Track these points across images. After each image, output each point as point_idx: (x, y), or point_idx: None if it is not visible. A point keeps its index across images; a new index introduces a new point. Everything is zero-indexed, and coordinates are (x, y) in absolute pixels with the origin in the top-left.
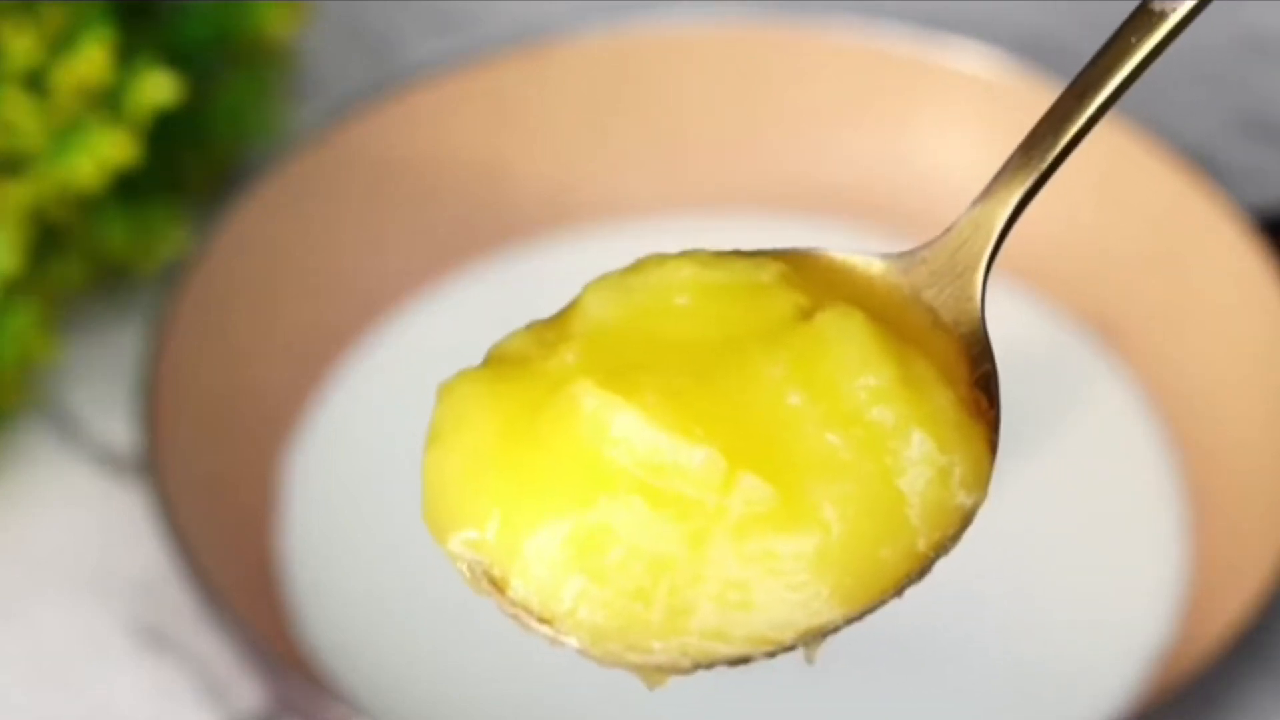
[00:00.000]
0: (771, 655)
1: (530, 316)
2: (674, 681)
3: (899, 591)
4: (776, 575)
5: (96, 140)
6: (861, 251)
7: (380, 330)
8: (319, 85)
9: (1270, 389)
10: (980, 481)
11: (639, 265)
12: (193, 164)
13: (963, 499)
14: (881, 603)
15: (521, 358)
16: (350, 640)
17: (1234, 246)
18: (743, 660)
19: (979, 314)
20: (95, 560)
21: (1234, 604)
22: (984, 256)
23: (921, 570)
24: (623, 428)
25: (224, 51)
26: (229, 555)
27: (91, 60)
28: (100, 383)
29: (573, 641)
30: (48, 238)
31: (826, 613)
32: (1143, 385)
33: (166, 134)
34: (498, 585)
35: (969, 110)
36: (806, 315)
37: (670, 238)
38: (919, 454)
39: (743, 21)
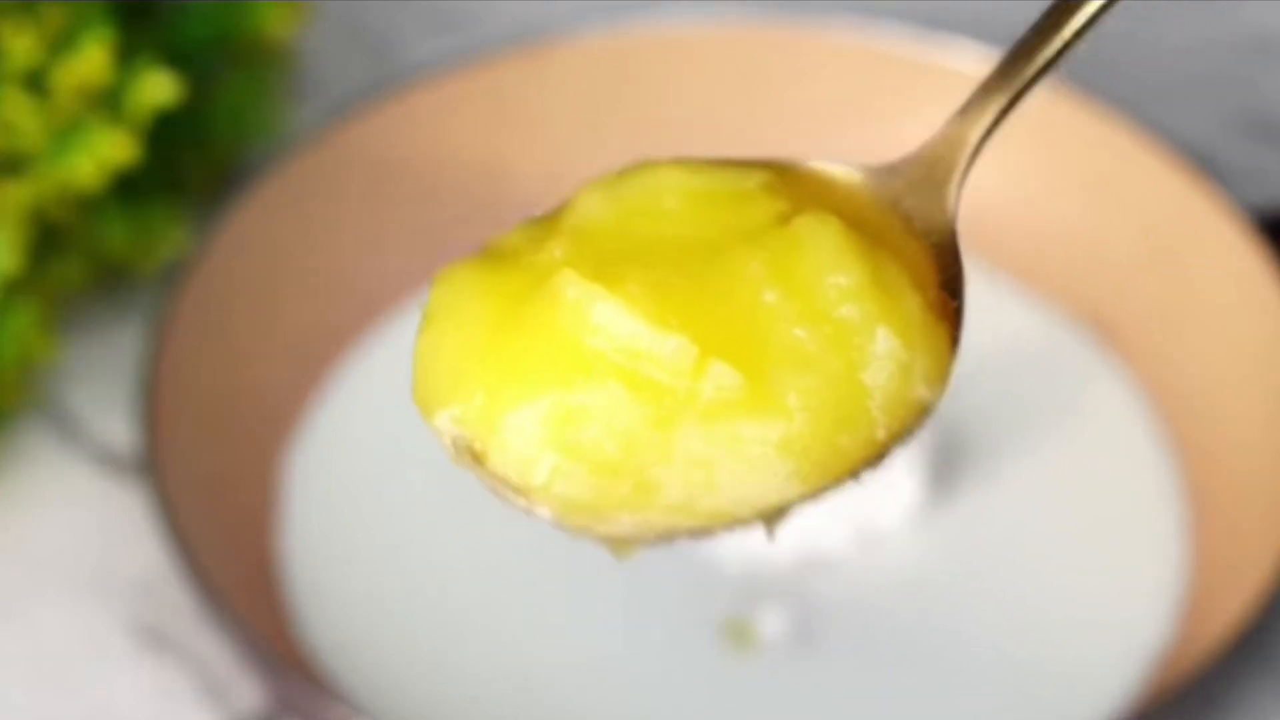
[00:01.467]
0: (730, 530)
1: None
2: (671, 678)
3: (856, 476)
4: (740, 457)
5: (96, 140)
6: (843, 162)
7: (380, 330)
8: (319, 85)
9: (1270, 389)
10: (941, 377)
11: (630, 170)
12: (193, 164)
13: (923, 393)
14: (838, 486)
15: (513, 250)
16: (350, 640)
17: (1234, 246)
18: (704, 533)
19: (952, 225)
20: (95, 560)
21: (1234, 604)
22: (958, 171)
23: (879, 457)
24: (602, 315)
25: (224, 51)
26: (229, 555)
27: (91, 60)
28: (100, 383)
29: (545, 512)
30: (48, 238)
31: (784, 492)
32: (1142, 385)
33: (166, 134)
34: (478, 458)
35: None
36: (785, 219)
37: None
38: (883, 350)
39: (743, 21)
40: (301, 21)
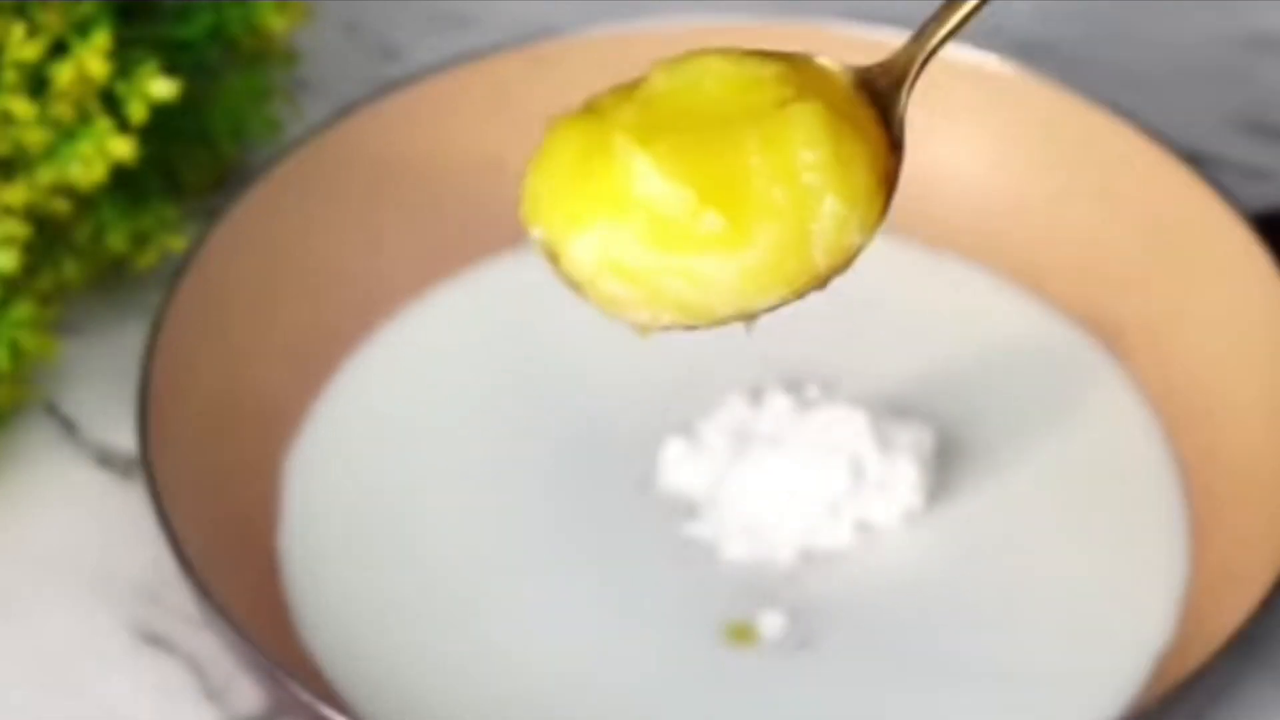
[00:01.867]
0: (716, 325)
1: (530, 317)
2: (671, 677)
3: (801, 294)
4: (717, 275)
5: (96, 140)
6: (841, 62)
7: (380, 331)
8: (319, 85)
9: (1271, 389)
10: (872, 228)
11: (691, 54)
12: (193, 164)
13: (855, 239)
14: (786, 301)
15: (601, 108)
16: (349, 641)
17: (1234, 247)
18: (696, 326)
19: (901, 113)
20: (95, 560)
21: (1234, 604)
22: (909, 78)
23: (822, 281)
24: (638, 168)
25: (224, 51)
26: (229, 555)
27: (91, 60)
28: (100, 383)
29: (593, 300)
30: (48, 237)
31: (746, 302)
32: (1143, 385)
33: (166, 134)
34: (553, 259)
35: (968, 110)
36: (785, 103)
37: None
38: (828, 210)
39: (742, 21)
40: (301, 21)
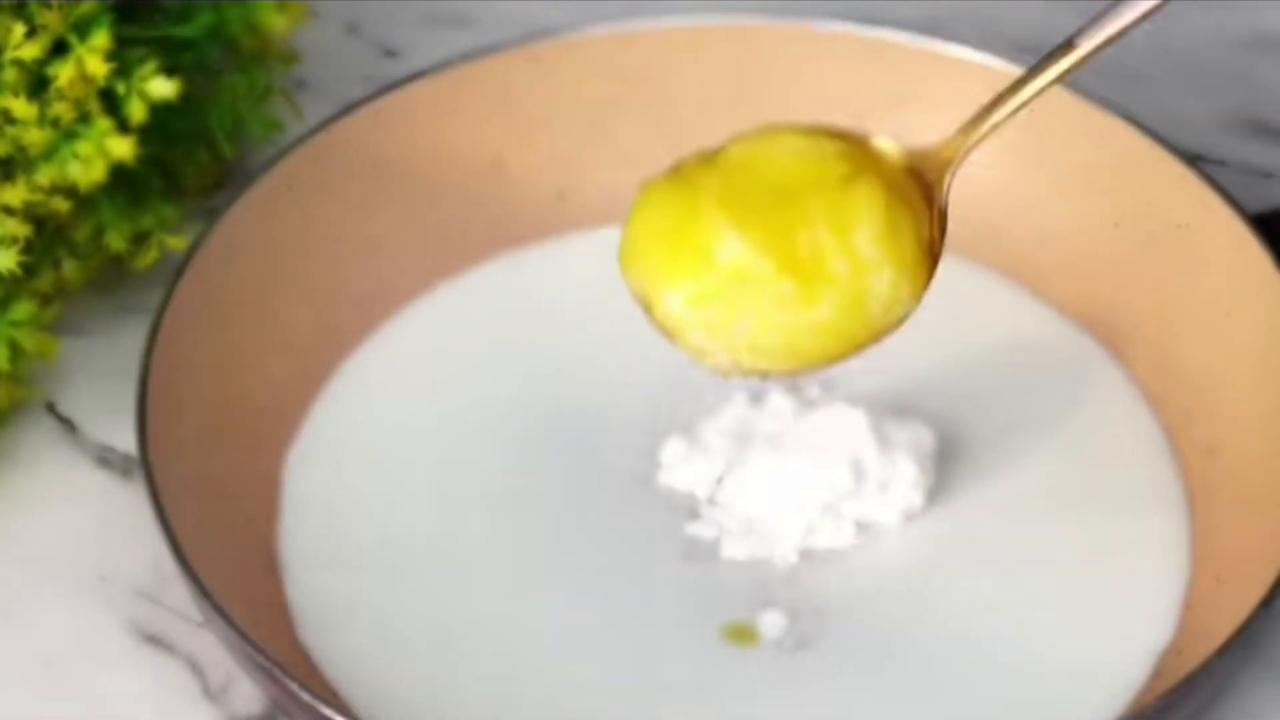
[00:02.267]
0: (783, 375)
1: (530, 317)
2: (672, 677)
3: (860, 350)
4: (790, 331)
5: (96, 140)
6: (897, 141)
7: (380, 331)
8: (319, 85)
9: (1270, 389)
10: (918, 299)
11: (766, 128)
12: (193, 164)
13: (907, 303)
14: (849, 354)
15: (687, 174)
16: (349, 641)
17: (1234, 246)
18: (766, 373)
19: (944, 196)
20: (95, 560)
21: (1234, 604)
22: (953, 167)
23: (877, 339)
24: (728, 238)
25: (224, 51)
26: (229, 555)
27: (91, 60)
28: (100, 383)
29: (681, 347)
30: (47, 237)
31: (817, 354)
32: (1143, 385)
33: (166, 133)
34: (647, 309)
35: (968, 110)
36: (848, 180)
37: None
38: (885, 281)
39: (742, 21)
40: (301, 21)
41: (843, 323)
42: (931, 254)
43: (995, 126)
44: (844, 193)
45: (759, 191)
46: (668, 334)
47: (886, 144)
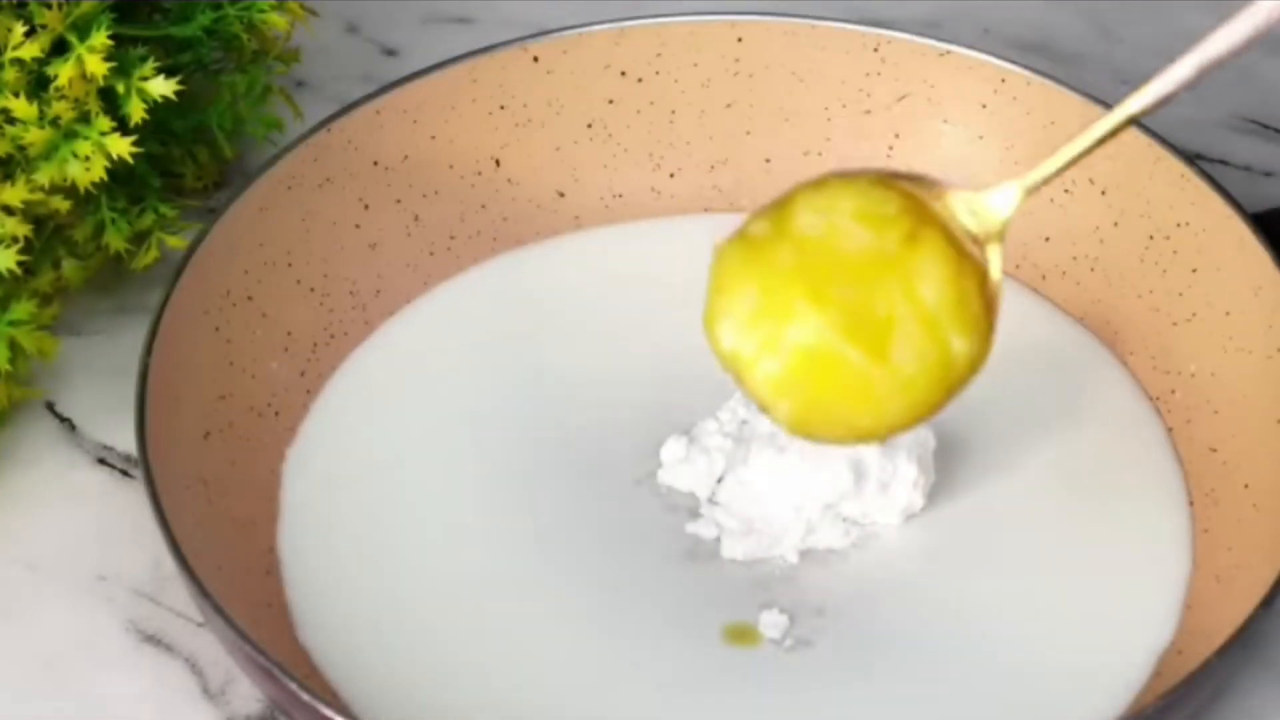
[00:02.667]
0: (873, 442)
1: (530, 317)
2: (672, 677)
3: (936, 413)
4: (867, 398)
5: (96, 139)
6: (951, 190)
7: (380, 331)
8: (319, 85)
9: (1271, 389)
10: (984, 359)
11: (826, 180)
12: (192, 163)
13: (976, 361)
14: (925, 419)
15: (759, 241)
16: (349, 641)
17: (1234, 246)
18: (848, 442)
19: (998, 251)
20: (95, 560)
21: (1234, 604)
22: (1001, 229)
23: (940, 407)
24: (807, 316)
25: (224, 50)
26: (229, 555)
27: (91, 60)
28: (100, 383)
29: (773, 418)
30: (47, 237)
31: (900, 420)
32: (1143, 385)
33: (166, 133)
34: (737, 380)
35: (969, 110)
36: (913, 238)
37: (670, 238)
38: (956, 346)
39: (742, 21)
40: (301, 21)
41: (921, 391)
42: (991, 309)
43: (1036, 187)
44: (912, 250)
45: (832, 266)
46: (760, 406)
47: (946, 196)
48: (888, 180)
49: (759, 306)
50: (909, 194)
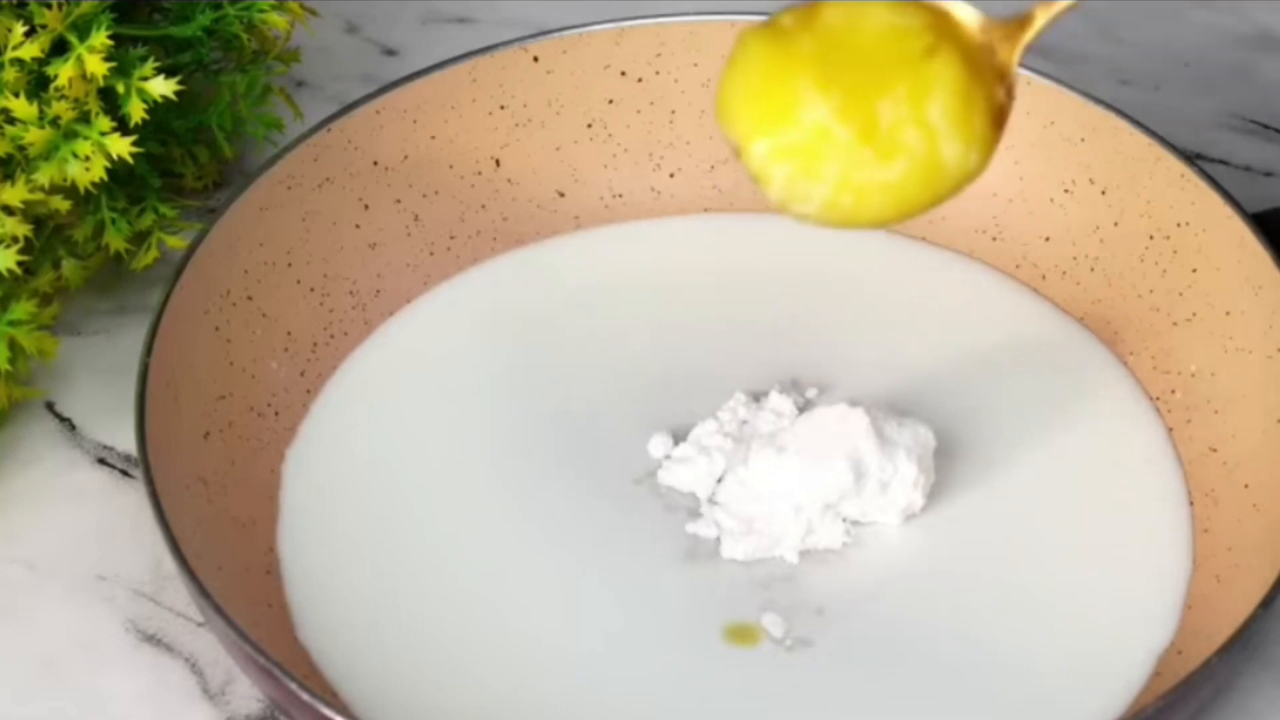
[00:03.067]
0: (852, 229)
1: (529, 317)
2: (673, 677)
3: (924, 211)
4: (862, 191)
5: (96, 139)
6: (977, 11)
7: (380, 331)
8: (319, 85)
9: (1271, 388)
10: (985, 164)
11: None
12: (192, 163)
13: (971, 172)
14: (912, 215)
15: (783, 31)
16: (349, 641)
17: (1234, 246)
18: (838, 226)
19: (1016, 65)
20: (95, 560)
21: (1234, 604)
22: (1025, 40)
23: (938, 203)
24: (818, 106)
25: (223, 50)
26: (229, 555)
27: (91, 60)
28: (100, 382)
29: (765, 191)
30: (47, 237)
31: (882, 213)
32: (1143, 385)
33: (166, 133)
34: (737, 154)
35: None
36: (931, 52)
37: (670, 238)
38: (957, 150)
39: (742, 21)
40: (300, 20)
41: (914, 187)
42: (1000, 119)
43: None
44: (928, 63)
45: (848, 59)
46: (754, 179)
47: (967, 13)
48: (915, 5)
49: (767, 86)
50: (939, 13)
